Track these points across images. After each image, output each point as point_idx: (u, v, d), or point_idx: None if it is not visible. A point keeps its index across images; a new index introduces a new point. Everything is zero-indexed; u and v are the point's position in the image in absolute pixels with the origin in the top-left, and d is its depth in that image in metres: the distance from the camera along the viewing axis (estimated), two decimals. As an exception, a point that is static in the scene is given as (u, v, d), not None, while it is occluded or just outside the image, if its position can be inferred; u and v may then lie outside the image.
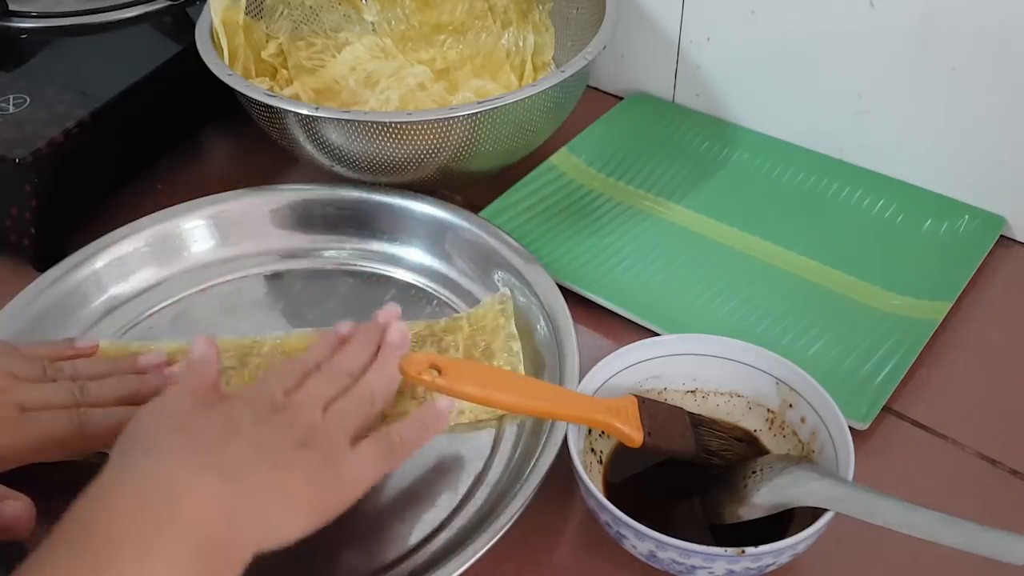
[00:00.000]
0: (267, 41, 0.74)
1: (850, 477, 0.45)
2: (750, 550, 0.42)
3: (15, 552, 0.46)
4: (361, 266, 0.64)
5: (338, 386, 0.48)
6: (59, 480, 0.49)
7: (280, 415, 0.44)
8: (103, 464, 0.51)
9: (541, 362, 0.56)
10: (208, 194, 0.65)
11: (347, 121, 0.60)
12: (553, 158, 0.73)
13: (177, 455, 0.41)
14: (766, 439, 0.52)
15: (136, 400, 0.51)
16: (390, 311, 0.54)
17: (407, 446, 0.47)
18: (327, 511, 0.43)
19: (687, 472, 0.50)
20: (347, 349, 0.51)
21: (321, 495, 0.43)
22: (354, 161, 0.63)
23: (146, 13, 0.76)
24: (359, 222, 0.65)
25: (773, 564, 0.43)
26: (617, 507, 0.44)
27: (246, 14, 0.71)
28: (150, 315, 0.61)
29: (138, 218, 0.64)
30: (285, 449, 0.43)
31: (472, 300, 0.61)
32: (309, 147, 0.63)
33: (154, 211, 0.64)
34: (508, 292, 0.59)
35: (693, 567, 0.43)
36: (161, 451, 0.41)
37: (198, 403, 0.44)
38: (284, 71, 0.75)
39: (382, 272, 0.64)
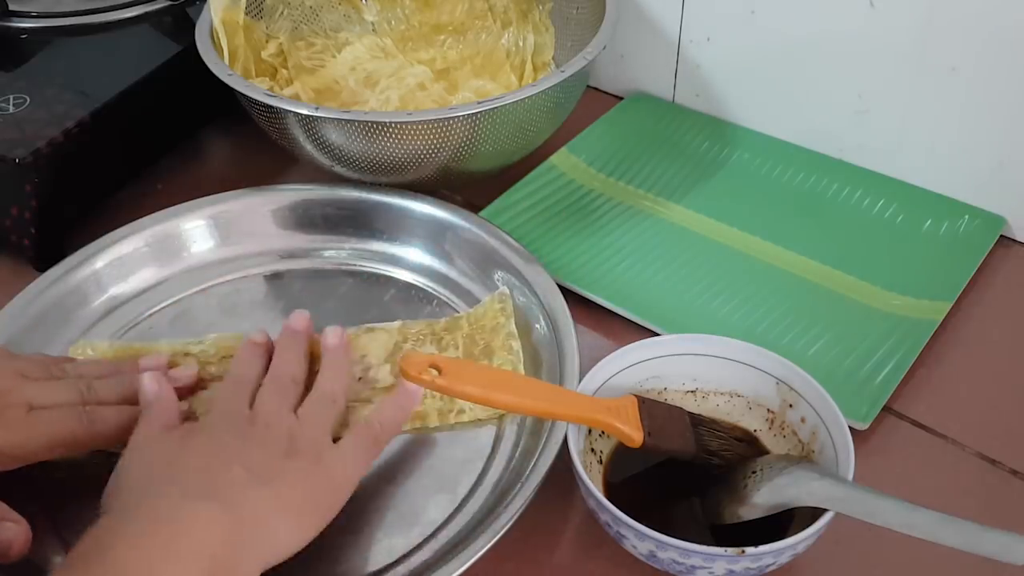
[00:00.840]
0: (267, 41, 0.74)
1: (850, 477, 0.45)
2: (750, 550, 0.42)
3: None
4: (361, 266, 0.64)
5: (291, 394, 0.49)
6: (61, 479, 0.50)
7: (256, 427, 0.45)
8: (104, 463, 0.51)
9: (541, 362, 0.56)
10: (208, 194, 0.65)
11: (347, 121, 0.60)
12: (553, 158, 0.73)
13: (174, 489, 0.41)
14: (766, 439, 0.52)
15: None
16: (300, 316, 0.54)
17: (387, 431, 0.49)
18: (326, 514, 0.44)
19: (687, 472, 0.50)
20: (279, 359, 0.51)
21: (317, 500, 0.44)
22: (354, 161, 0.63)
23: (146, 13, 0.76)
24: (359, 222, 0.65)
25: (773, 564, 0.43)
26: (617, 507, 0.44)
27: (246, 14, 0.71)
28: (150, 315, 0.61)
29: (138, 218, 0.64)
30: (274, 461, 0.44)
31: (472, 300, 0.61)
32: (309, 147, 0.63)
33: (154, 211, 0.64)
34: (507, 291, 0.59)
35: (693, 567, 0.43)
36: (158, 488, 0.42)
37: (174, 438, 0.45)
38: (284, 71, 0.75)
39: (382, 272, 0.64)
